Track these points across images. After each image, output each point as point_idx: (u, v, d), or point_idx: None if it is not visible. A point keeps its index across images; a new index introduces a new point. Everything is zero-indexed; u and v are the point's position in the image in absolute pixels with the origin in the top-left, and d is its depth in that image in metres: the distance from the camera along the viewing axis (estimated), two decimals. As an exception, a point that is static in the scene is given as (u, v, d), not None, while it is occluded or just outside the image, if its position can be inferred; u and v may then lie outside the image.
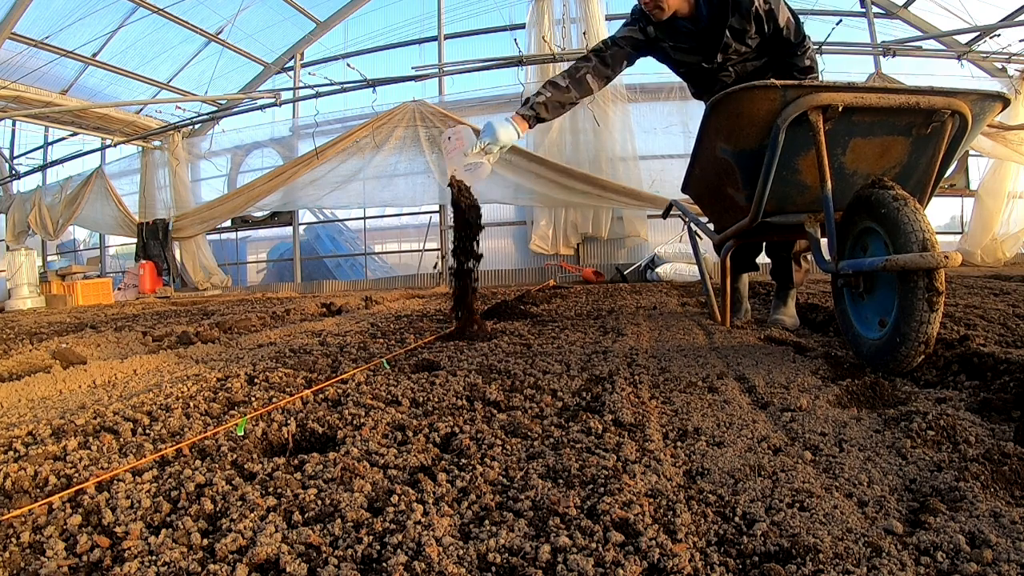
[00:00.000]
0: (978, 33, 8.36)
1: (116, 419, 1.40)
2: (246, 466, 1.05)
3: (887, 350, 1.53)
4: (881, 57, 8.44)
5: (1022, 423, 1.08)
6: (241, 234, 11.56)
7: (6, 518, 0.86)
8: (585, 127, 8.59)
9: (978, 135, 2.25)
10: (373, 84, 9.09)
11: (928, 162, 1.84)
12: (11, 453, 1.19)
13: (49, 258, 13.61)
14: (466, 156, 2.38)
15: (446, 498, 0.87)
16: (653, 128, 8.76)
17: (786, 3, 2.32)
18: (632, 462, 0.98)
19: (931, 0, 8.62)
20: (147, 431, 1.31)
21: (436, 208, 9.67)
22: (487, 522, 0.79)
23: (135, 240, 10.80)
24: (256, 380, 1.84)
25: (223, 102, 10.42)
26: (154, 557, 0.73)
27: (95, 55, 9.61)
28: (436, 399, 1.48)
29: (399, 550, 0.72)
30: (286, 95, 9.91)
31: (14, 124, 12.14)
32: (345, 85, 9.31)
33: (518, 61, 8.64)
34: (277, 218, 10.65)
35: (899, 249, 1.46)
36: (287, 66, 11.11)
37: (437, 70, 9.43)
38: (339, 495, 0.88)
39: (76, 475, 1.04)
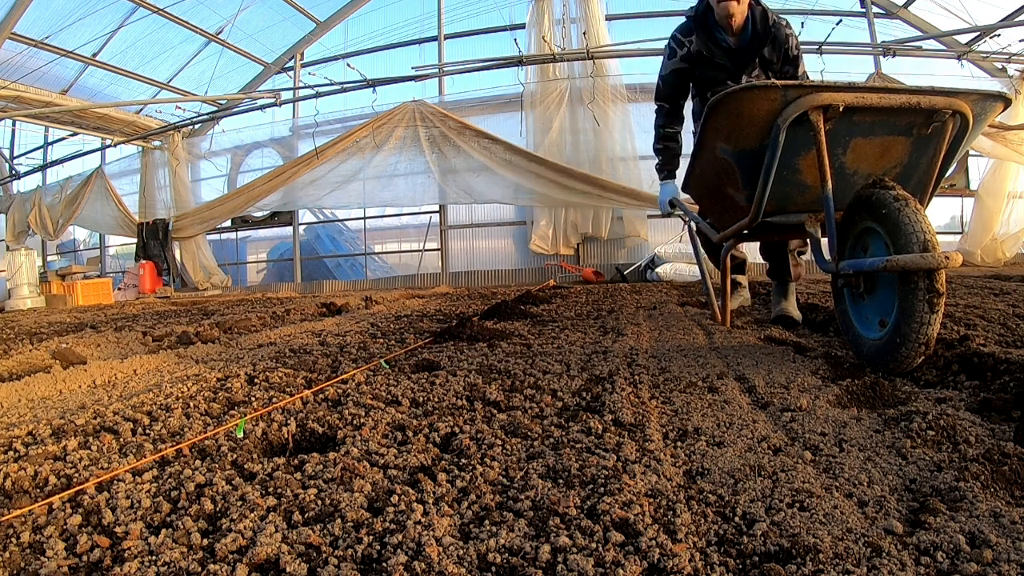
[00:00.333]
0: (978, 33, 8.35)
1: (116, 419, 1.40)
2: (246, 466, 1.05)
3: (887, 350, 1.53)
4: (881, 57, 8.44)
5: (1022, 423, 1.08)
6: (241, 234, 11.56)
7: (6, 518, 0.86)
8: (585, 127, 8.59)
9: (979, 135, 2.25)
10: (373, 84, 9.09)
11: (929, 162, 1.84)
12: (11, 453, 1.19)
13: (49, 258, 13.61)
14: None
15: (446, 498, 0.87)
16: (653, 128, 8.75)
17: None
18: (632, 462, 0.98)
19: (931, 0, 8.62)
20: (147, 431, 1.31)
21: (436, 208, 9.68)
22: (487, 522, 0.79)
23: (135, 240, 10.81)
24: (256, 380, 1.84)
25: (223, 102, 10.43)
26: (154, 557, 0.73)
27: (95, 55, 9.62)
28: (436, 399, 1.48)
29: (399, 550, 0.72)
30: (286, 95, 9.91)
31: (14, 124, 12.15)
32: (345, 85, 9.32)
33: (518, 61, 8.64)
34: (277, 218, 10.66)
35: (900, 250, 1.46)
36: (287, 66, 11.11)
37: (437, 70, 9.43)
38: (339, 495, 0.88)
39: (76, 475, 1.04)
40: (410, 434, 1.20)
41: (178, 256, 10.76)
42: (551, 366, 1.84)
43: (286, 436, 1.23)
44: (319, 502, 0.87)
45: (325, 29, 10.73)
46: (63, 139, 12.27)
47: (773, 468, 0.93)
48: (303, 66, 10.98)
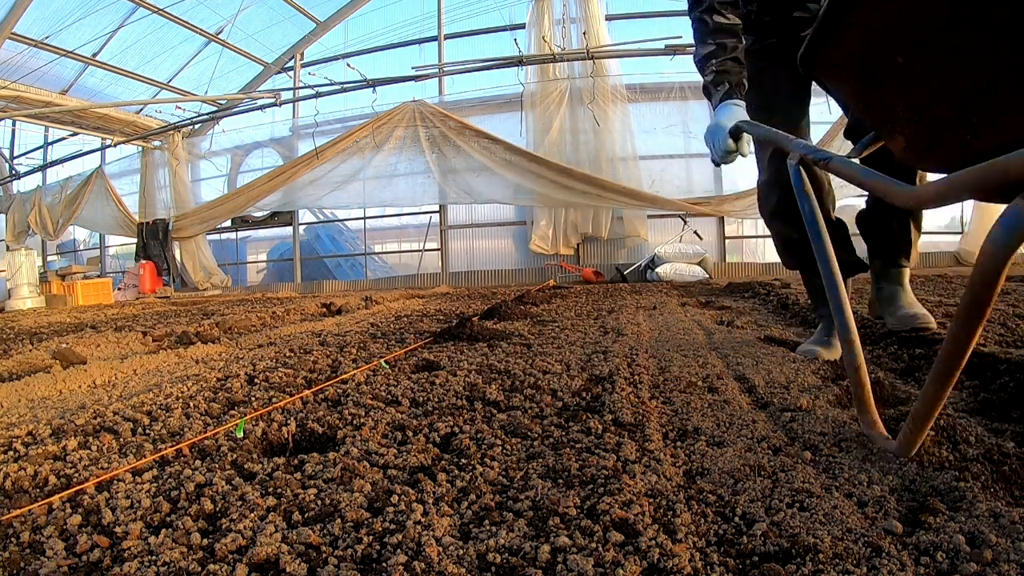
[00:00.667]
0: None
1: (116, 419, 1.40)
2: (246, 466, 1.05)
3: None
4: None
5: (1022, 423, 1.08)
6: (241, 234, 11.56)
7: (6, 518, 0.86)
8: (585, 127, 8.59)
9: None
10: (373, 84, 9.09)
11: None
12: (11, 453, 1.19)
13: (49, 258, 13.62)
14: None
15: (446, 498, 0.87)
16: (653, 128, 8.77)
17: None
18: (632, 462, 0.98)
19: None
20: (147, 431, 1.31)
21: (436, 208, 9.68)
22: (487, 522, 0.79)
23: (135, 240, 10.82)
24: (256, 380, 1.84)
25: (223, 102, 10.43)
26: (154, 557, 0.73)
27: (95, 55, 9.62)
28: (436, 399, 1.48)
29: (399, 550, 0.72)
30: (286, 95, 9.92)
31: (14, 124, 12.15)
32: (345, 85, 9.32)
33: (518, 61, 8.65)
34: (277, 218, 10.66)
35: None
36: (287, 66, 11.12)
37: (437, 70, 9.44)
38: (339, 495, 0.88)
39: (76, 475, 1.04)
40: (410, 434, 1.20)
41: (178, 256, 10.77)
42: (551, 366, 1.84)
43: (286, 436, 1.23)
44: (319, 502, 0.87)
45: (325, 29, 10.74)
46: (63, 139, 12.28)
47: (773, 468, 0.93)
48: (303, 66, 10.99)
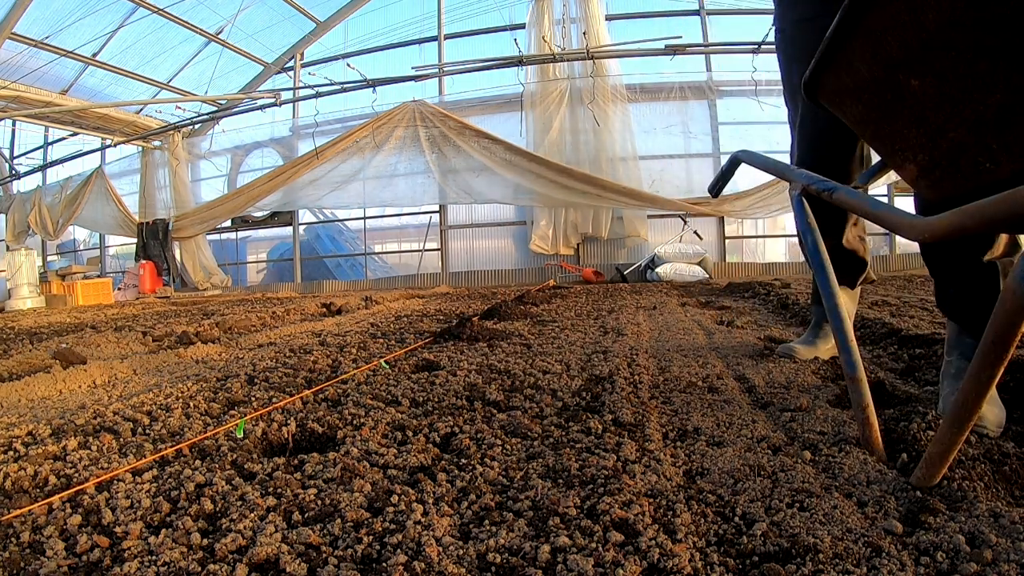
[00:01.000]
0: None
1: (116, 419, 1.40)
2: (246, 466, 1.05)
3: None
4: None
5: (1022, 423, 1.08)
6: (241, 234, 11.56)
7: (6, 518, 0.86)
8: (585, 127, 8.59)
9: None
10: (373, 84, 9.10)
11: None
12: (11, 453, 1.19)
13: (49, 258, 13.62)
14: None
15: (446, 498, 0.87)
16: (653, 128, 8.77)
17: None
18: (632, 462, 0.98)
19: None
20: (147, 431, 1.31)
21: (436, 208, 9.68)
22: (487, 522, 0.79)
23: (135, 240, 10.82)
24: (256, 380, 1.84)
25: (223, 102, 10.43)
26: (154, 557, 0.73)
27: (95, 55, 9.62)
28: (436, 399, 1.48)
29: (399, 550, 0.72)
30: (286, 95, 9.92)
31: (14, 124, 12.16)
32: (345, 85, 9.32)
33: (518, 61, 8.65)
34: (277, 218, 10.66)
35: None
36: (287, 66, 11.12)
37: (437, 70, 9.44)
38: (339, 495, 0.88)
39: (76, 475, 1.04)
40: (410, 434, 1.20)
41: (178, 256, 10.77)
42: (551, 366, 1.84)
43: (286, 436, 1.23)
44: (319, 502, 0.87)
45: (325, 29, 10.74)
46: (63, 139, 12.28)
47: (773, 468, 0.93)
48: (303, 66, 10.99)
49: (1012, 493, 0.83)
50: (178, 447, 1.16)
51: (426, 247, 9.93)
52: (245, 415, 1.38)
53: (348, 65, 9.26)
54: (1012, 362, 1.39)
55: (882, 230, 1.51)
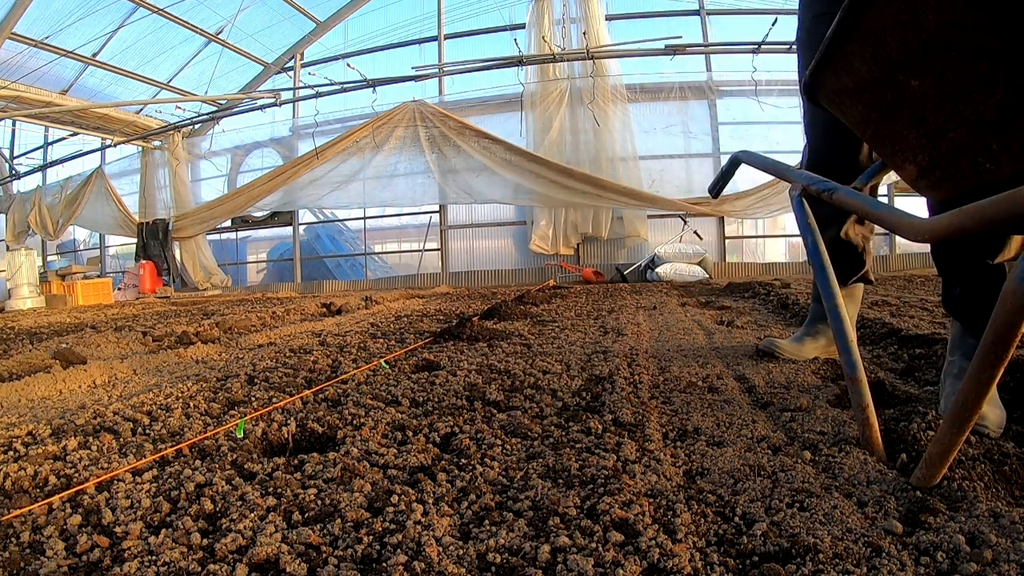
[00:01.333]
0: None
1: (116, 419, 1.40)
2: (246, 466, 1.05)
3: None
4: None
5: (1022, 423, 1.08)
6: (241, 234, 11.57)
7: (6, 518, 0.86)
8: (585, 127, 8.60)
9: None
10: (373, 84, 9.10)
11: None
12: (11, 453, 1.19)
13: (49, 258, 13.62)
14: None
15: (446, 498, 0.87)
16: (653, 128, 8.77)
17: None
18: (632, 462, 0.98)
19: None
20: (147, 431, 1.31)
21: (436, 208, 9.68)
22: (487, 522, 0.79)
23: (135, 240, 10.82)
24: (256, 380, 1.84)
25: (223, 102, 10.43)
26: (154, 557, 0.73)
27: (95, 55, 9.62)
28: (436, 399, 1.48)
29: (399, 550, 0.72)
30: (286, 95, 9.92)
31: (14, 124, 12.16)
32: (345, 85, 9.32)
33: (518, 61, 8.65)
34: (277, 218, 10.67)
35: None
36: (287, 66, 11.12)
37: (437, 70, 9.44)
38: (339, 495, 0.88)
39: (76, 475, 1.04)
40: (410, 434, 1.20)
41: (178, 256, 10.77)
42: (551, 366, 1.84)
43: (286, 436, 1.23)
44: (319, 502, 0.87)
45: (325, 29, 10.74)
46: (63, 139, 12.29)
47: (773, 468, 0.93)
48: (303, 66, 10.99)
49: (1012, 493, 0.83)
50: (178, 447, 1.16)
51: (426, 247, 9.94)
52: (245, 415, 1.38)
53: (348, 65, 9.26)
54: (1012, 362, 1.39)
55: (882, 230, 1.55)
